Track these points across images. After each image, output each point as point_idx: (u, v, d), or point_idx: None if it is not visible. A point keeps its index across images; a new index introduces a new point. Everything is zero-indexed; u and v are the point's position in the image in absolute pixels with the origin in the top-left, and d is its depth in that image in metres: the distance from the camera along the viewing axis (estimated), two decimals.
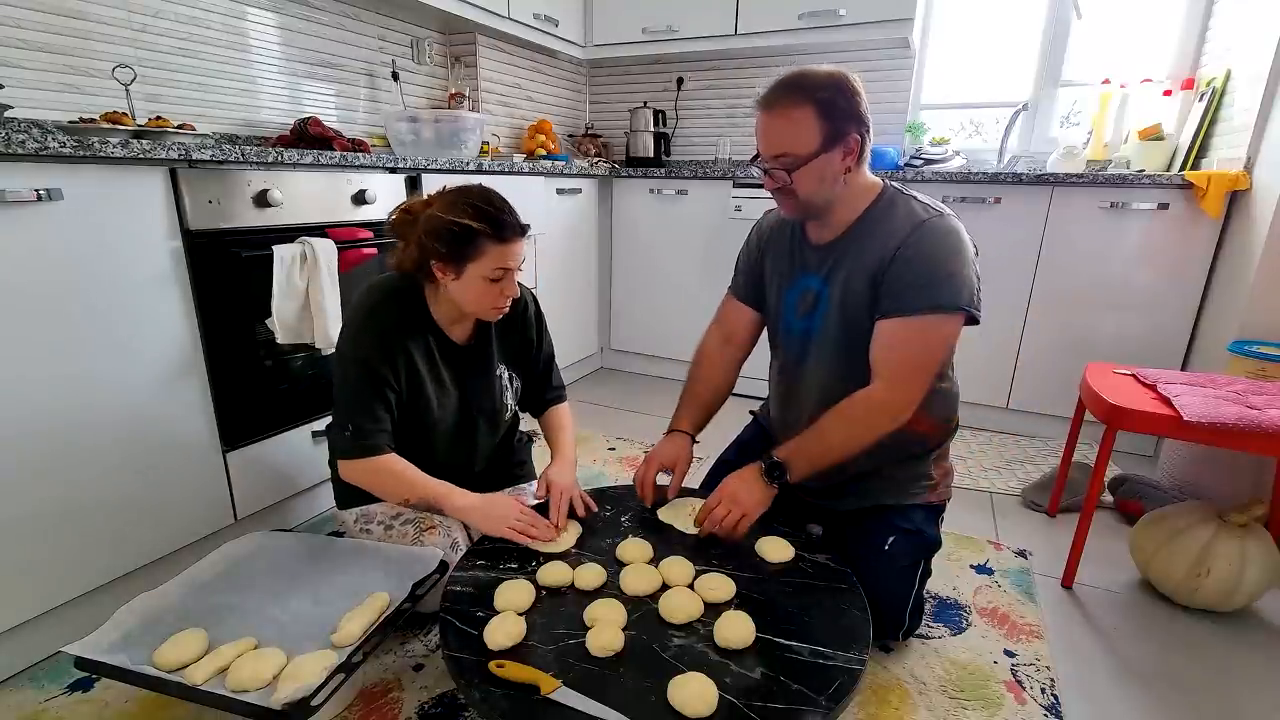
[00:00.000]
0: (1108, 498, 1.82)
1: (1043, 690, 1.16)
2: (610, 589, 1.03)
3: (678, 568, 1.05)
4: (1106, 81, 2.35)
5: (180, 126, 1.51)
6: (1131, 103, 2.28)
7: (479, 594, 1.00)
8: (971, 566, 1.53)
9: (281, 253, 1.39)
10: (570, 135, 3.24)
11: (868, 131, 1.11)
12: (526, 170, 2.30)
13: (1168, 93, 2.26)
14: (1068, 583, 1.47)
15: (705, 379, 1.36)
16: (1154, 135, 2.19)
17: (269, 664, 0.92)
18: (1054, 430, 2.27)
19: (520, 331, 1.37)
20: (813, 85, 1.06)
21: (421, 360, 1.22)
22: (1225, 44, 2.09)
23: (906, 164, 2.51)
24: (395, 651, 1.22)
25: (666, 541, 1.15)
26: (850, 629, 0.95)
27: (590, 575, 1.04)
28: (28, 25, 1.47)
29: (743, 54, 2.90)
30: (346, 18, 2.21)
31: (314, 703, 0.85)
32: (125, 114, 1.51)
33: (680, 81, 3.13)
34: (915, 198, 1.15)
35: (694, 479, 1.32)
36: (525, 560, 1.10)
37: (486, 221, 1.12)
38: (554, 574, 1.04)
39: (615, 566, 1.07)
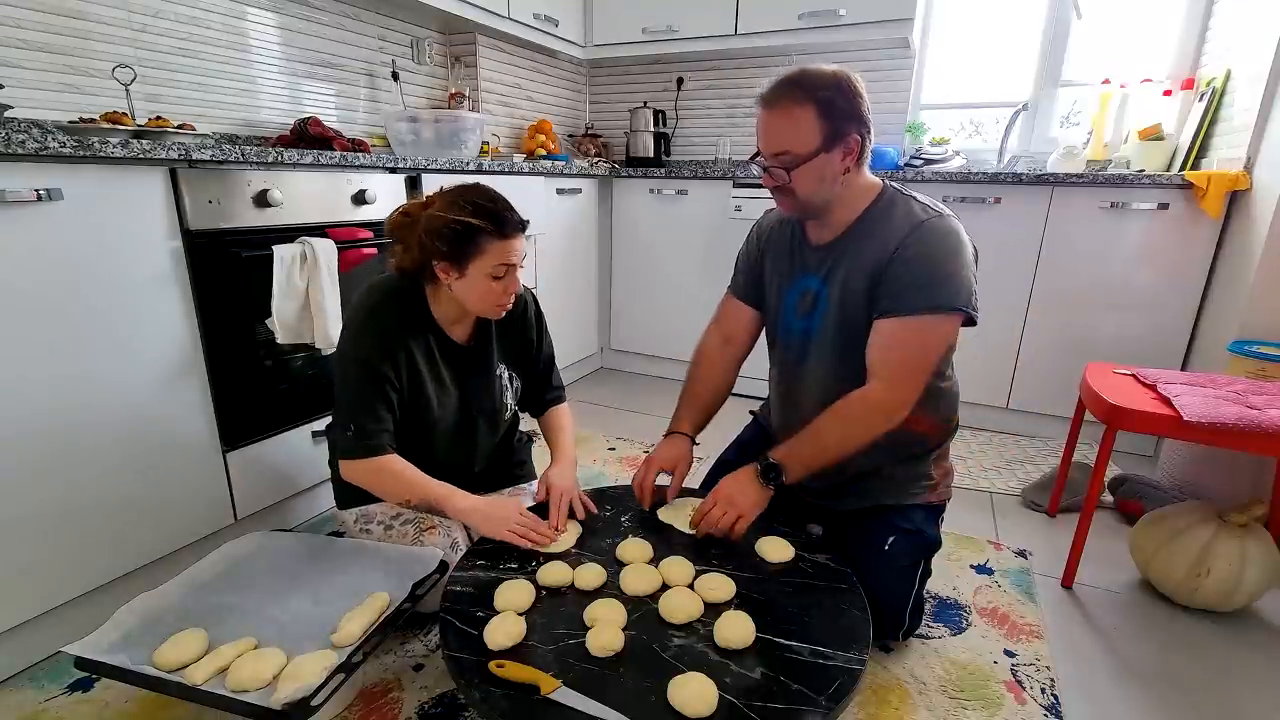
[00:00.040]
0: (1108, 498, 1.82)
1: (1043, 690, 1.16)
2: (610, 589, 1.03)
3: (678, 568, 1.05)
4: (1106, 81, 2.35)
5: (180, 126, 1.51)
6: (1131, 103, 2.28)
7: (479, 594, 1.00)
8: (971, 566, 1.53)
9: (281, 253, 1.39)
10: (570, 135, 3.24)
11: (868, 133, 1.11)
12: (526, 170, 2.30)
13: (1168, 93, 2.26)
14: (1068, 583, 1.47)
15: (705, 380, 1.36)
16: (1154, 135, 2.19)
17: (269, 664, 0.92)
18: (1054, 430, 2.27)
19: (520, 331, 1.37)
20: (814, 84, 1.06)
21: (422, 359, 1.22)
22: (1225, 44, 2.09)
23: (906, 164, 2.51)
24: (395, 651, 1.22)
25: (666, 541, 1.15)
26: (850, 629, 0.95)
27: (590, 575, 1.04)
28: (28, 25, 1.47)
29: (743, 54, 2.90)
30: (346, 18, 2.21)
31: (314, 703, 0.85)
32: (125, 114, 1.51)
33: (680, 81, 3.13)
34: (915, 198, 1.15)
35: (694, 479, 1.32)
36: (525, 560, 1.10)
37: (487, 218, 1.12)
38: (554, 574, 1.04)
39: (615, 566, 1.07)
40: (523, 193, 2.16)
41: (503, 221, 1.13)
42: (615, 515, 1.25)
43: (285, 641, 0.98)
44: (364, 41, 2.28)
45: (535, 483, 1.50)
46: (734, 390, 1.39)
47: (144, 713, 1.08)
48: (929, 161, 2.44)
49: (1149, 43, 2.39)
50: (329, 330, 1.46)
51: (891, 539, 1.18)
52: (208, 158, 1.29)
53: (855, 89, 1.08)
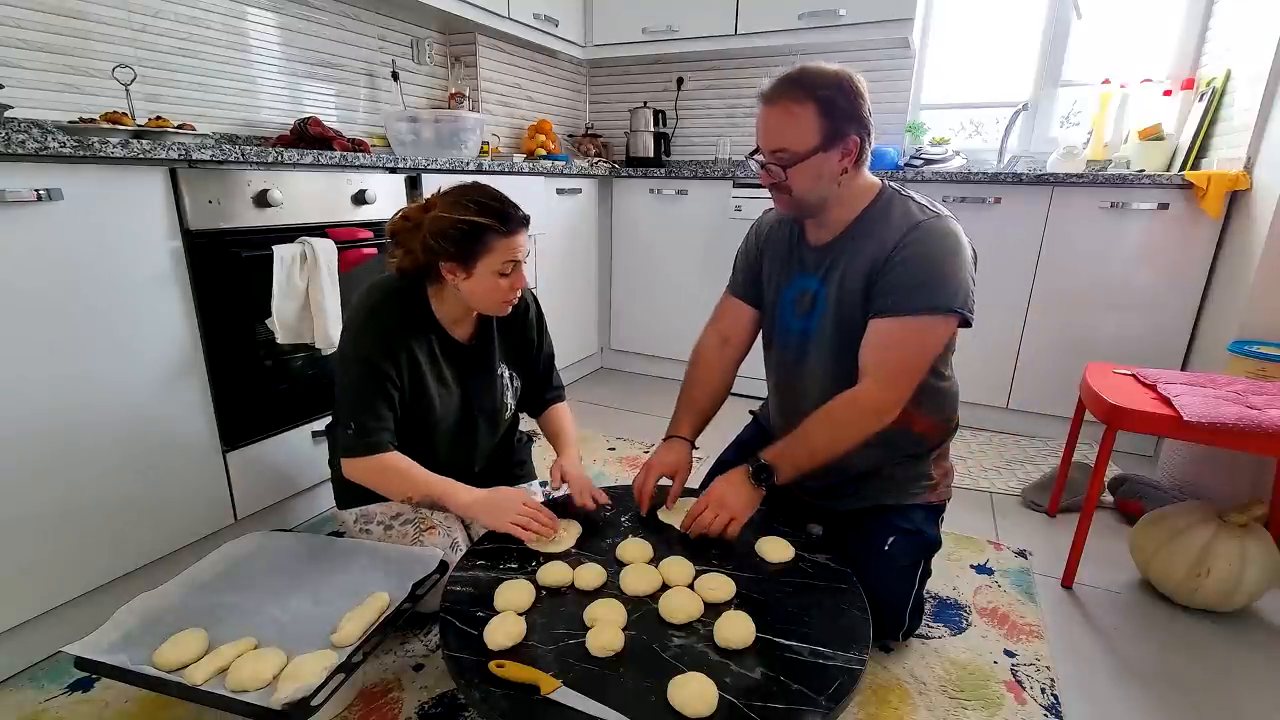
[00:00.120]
0: (1108, 498, 1.82)
1: (1043, 690, 1.16)
2: (610, 589, 1.03)
3: (678, 568, 1.05)
4: (1106, 81, 2.35)
5: (180, 126, 1.51)
6: (1131, 103, 2.28)
7: (479, 594, 1.00)
8: (971, 566, 1.53)
9: (281, 253, 1.39)
10: (570, 135, 3.24)
11: (868, 134, 1.11)
12: (526, 170, 2.30)
13: (1168, 93, 2.26)
14: (1068, 583, 1.47)
15: (703, 382, 1.35)
16: (1154, 135, 2.19)
17: (269, 664, 0.92)
18: (1054, 430, 2.27)
19: (521, 331, 1.38)
20: (815, 83, 1.06)
21: (424, 359, 1.22)
22: (1225, 44, 2.09)
23: (906, 164, 2.51)
24: (395, 651, 1.22)
25: (666, 541, 1.15)
26: (850, 629, 0.95)
27: (590, 575, 1.04)
28: (28, 25, 1.47)
29: (743, 54, 2.90)
30: (346, 18, 2.21)
31: (314, 703, 0.85)
32: (125, 114, 1.51)
33: (680, 81, 3.13)
34: (913, 198, 1.15)
35: (693, 479, 1.31)
36: (525, 560, 1.10)
37: (492, 216, 1.12)
38: (554, 574, 1.04)
39: (615, 566, 1.07)
40: (523, 193, 2.14)
41: (508, 218, 1.14)
42: (615, 515, 1.25)
43: (285, 641, 0.98)
44: (364, 41, 2.28)
45: (535, 483, 1.50)
46: (733, 390, 1.38)
47: (144, 713, 1.08)
48: (929, 161, 2.44)
49: (1149, 43, 2.39)
50: (329, 330, 1.46)
51: (891, 539, 1.18)
52: (208, 158, 1.29)
53: (857, 89, 1.08)
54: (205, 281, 1.33)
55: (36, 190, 1.06)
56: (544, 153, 2.79)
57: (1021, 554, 1.59)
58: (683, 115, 3.18)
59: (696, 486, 1.34)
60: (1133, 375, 1.54)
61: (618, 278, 2.94)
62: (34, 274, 1.08)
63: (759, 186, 2.43)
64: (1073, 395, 1.66)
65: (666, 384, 2.85)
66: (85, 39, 1.57)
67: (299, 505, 1.66)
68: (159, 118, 1.56)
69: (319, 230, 1.51)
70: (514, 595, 0.98)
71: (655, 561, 1.08)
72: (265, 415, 1.50)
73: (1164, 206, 1.98)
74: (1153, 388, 1.44)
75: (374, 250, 1.63)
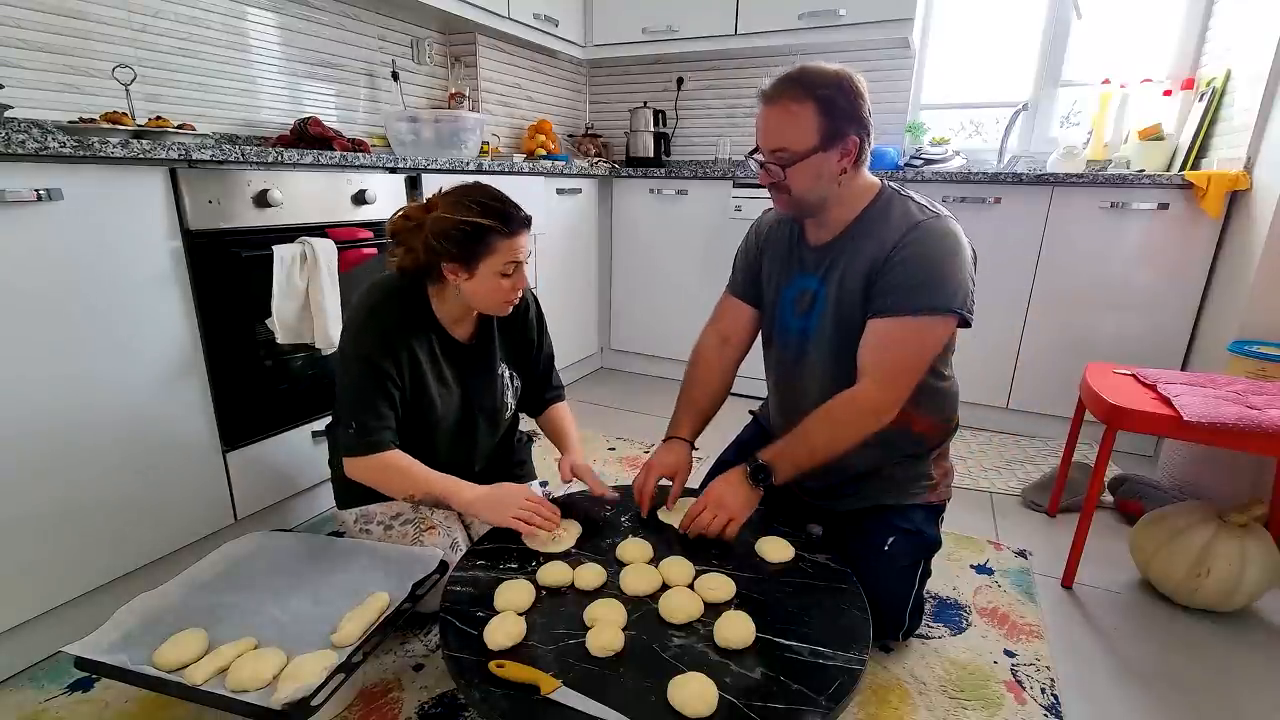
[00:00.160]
0: (1108, 498, 1.82)
1: (1043, 690, 1.16)
2: (610, 589, 1.03)
3: (678, 568, 1.05)
4: (1106, 81, 2.35)
5: (180, 126, 1.51)
6: (1131, 103, 2.28)
7: (479, 594, 1.00)
8: (971, 566, 1.53)
9: (281, 253, 1.39)
10: (570, 135, 3.24)
11: (868, 134, 1.10)
12: (526, 170, 2.30)
13: (1168, 93, 2.26)
14: (1068, 583, 1.47)
15: (703, 383, 1.35)
16: (1154, 135, 2.19)
17: (269, 664, 0.92)
18: (1054, 430, 2.27)
19: (521, 331, 1.38)
20: (815, 82, 1.06)
21: (425, 358, 1.22)
22: (1225, 44, 2.09)
23: (906, 164, 2.51)
24: (395, 651, 1.22)
25: (666, 541, 1.15)
26: (850, 629, 0.95)
27: (590, 575, 1.04)
28: (28, 25, 1.47)
29: (743, 54, 2.90)
30: (346, 18, 2.21)
31: (314, 703, 0.85)
32: (125, 114, 1.51)
33: (680, 81, 3.13)
34: (912, 198, 1.15)
35: (693, 479, 1.31)
36: (525, 560, 1.10)
37: (495, 217, 1.13)
38: (554, 574, 1.04)
39: (615, 566, 1.07)
40: (523, 193, 2.14)
41: (510, 219, 1.14)
42: (615, 515, 1.25)
43: (285, 641, 0.98)
44: (364, 41, 2.28)
45: (535, 483, 1.50)
46: (733, 390, 1.38)
47: (144, 713, 1.08)
48: (929, 161, 2.44)
49: (1149, 43, 2.39)
50: (329, 330, 1.46)
51: (891, 539, 1.18)
52: (208, 158, 1.29)
53: (857, 89, 1.08)
54: (205, 281, 1.33)
55: (36, 190, 1.06)
56: (544, 153, 2.79)
57: (1021, 554, 1.59)
58: (683, 115, 3.18)
59: (696, 486, 1.34)
60: (1133, 375, 1.54)
61: (618, 278, 2.94)
62: (34, 274, 1.08)
63: (759, 186, 2.43)
64: (1073, 395, 1.66)
65: (666, 384, 2.85)
66: (85, 39, 1.57)
67: (299, 505, 1.66)
68: (159, 118, 1.56)
69: (319, 230, 1.51)
70: (514, 595, 0.98)
71: (655, 561, 1.08)
72: (265, 415, 1.50)
73: (1164, 206, 1.98)
74: (1153, 388, 1.44)
75: (374, 250, 1.63)
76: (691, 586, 1.02)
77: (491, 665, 0.84)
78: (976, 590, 1.44)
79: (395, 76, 2.36)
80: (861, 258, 1.13)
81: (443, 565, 1.12)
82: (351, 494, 1.28)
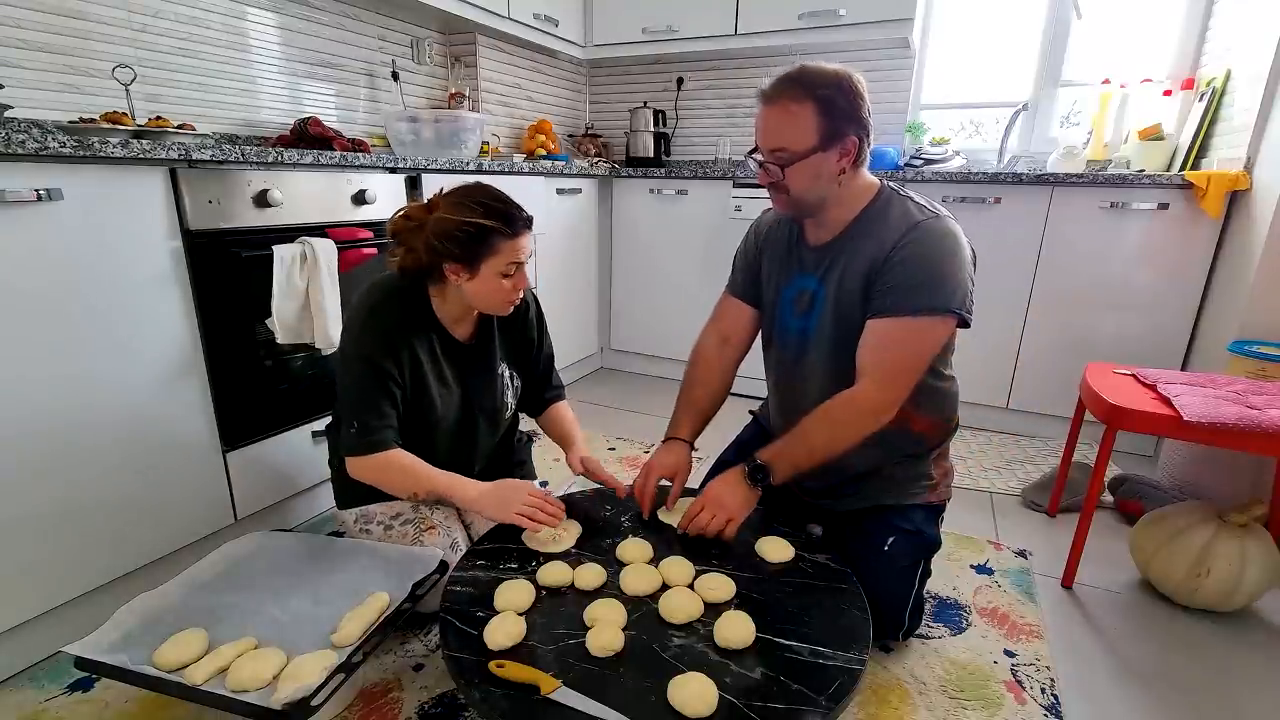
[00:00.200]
0: (1108, 498, 1.82)
1: (1043, 690, 1.16)
2: (610, 589, 1.03)
3: (678, 568, 1.05)
4: (1106, 81, 2.35)
5: (180, 126, 1.51)
6: (1131, 103, 2.28)
7: (479, 594, 1.00)
8: (971, 566, 1.53)
9: (281, 253, 1.39)
10: (570, 135, 3.24)
11: (867, 135, 1.10)
12: (526, 170, 2.30)
13: (1168, 93, 2.26)
14: (1068, 583, 1.47)
15: (703, 383, 1.35)
16: (1154, 135, 2.19)
17: (269, 664, 0.92)
18: (1054, 430, 2.27)
19: (521, 331, 1.38)
20: (815, 82, 1.06)
21: (425, 358, 1.22)
22: (1225, 44, 2.09)
23: (906, 164, 2.51)
24: (395, 651, 1.22)
25: (666, 541, 1.15)
26: (850, 629, 0.95)
27: (590, 575, 1.04)
28: (28, 25, 1.47)
29: (743, 54, 2.90)
30: (346, 18, 2.21)
31: (314, 703, 0.85)
32: (125, 114, 1.51)
33: (680, 81, 3.13)
34: (911, 198, 1.15)
35: (693, 479, 1.31)
36: (525, 560, 1.10)
37: (498, 218, 1.13)
38: (554, 574, 1.04)
39: (615, 566, 1.07)
40: (523, 193, 2.13)
41: (513, 220, 1.14)
42: (615, 515, 1.25)
43: (285, 641, 0.98)
44: (364, 41, 2.28)
45: (535, 483, 1.50)
46: (733, 390, 1.38)
47: (144, 713, 1.08)
48: (929, 161, 2.44)
49: (1149, 43, 2.39)
50: (329, 330, 1.46)
51: (891, 539, 1.18)
52: (208, 158, 1.29)
53: (856, 89, 1.07)
54: (205, 281, 1.33)
55: (36, 190, 1.06)
56: (544, 153, 2.79)
57: (1021, 554, 1.59)
58: (683, 115, 3.18)
59: (696, 486, 1.34)
60: (1133, 375, 1.54)
61: (618, 278, 2.94)
62: (34, 274, 1.08)
63: (759, 186, 2.42)
64: (1073, 395, 1.66)
65: (666, 384, 2.85)
66: (85, 39, 1.57)
67: (299, 505, 1.66)
68: (159, 118, 1.56)
69: (319, 230, 1.51)
70: (514, 595, 0.98)
71: (655, 561, 1.08)
72: (265, 415, 1.50)
73: (1164, 206, 1.98)
74: (1153, 388, 1.44)
75: (374, 250, 1.63)
76: (691, 586, 1.02)
77: (491, 665, 0.84)
78: (976, 590, 1.44)
79: (395, 76, 2.36)
80: (861, 258, 1.13)
81: (443, 565, 1.12)
82: (351, 494, 1.28)
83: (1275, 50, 1.71)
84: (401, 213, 1.19)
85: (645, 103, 3.02)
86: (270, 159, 1.41)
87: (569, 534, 1.16)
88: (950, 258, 1.08)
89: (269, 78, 2.00)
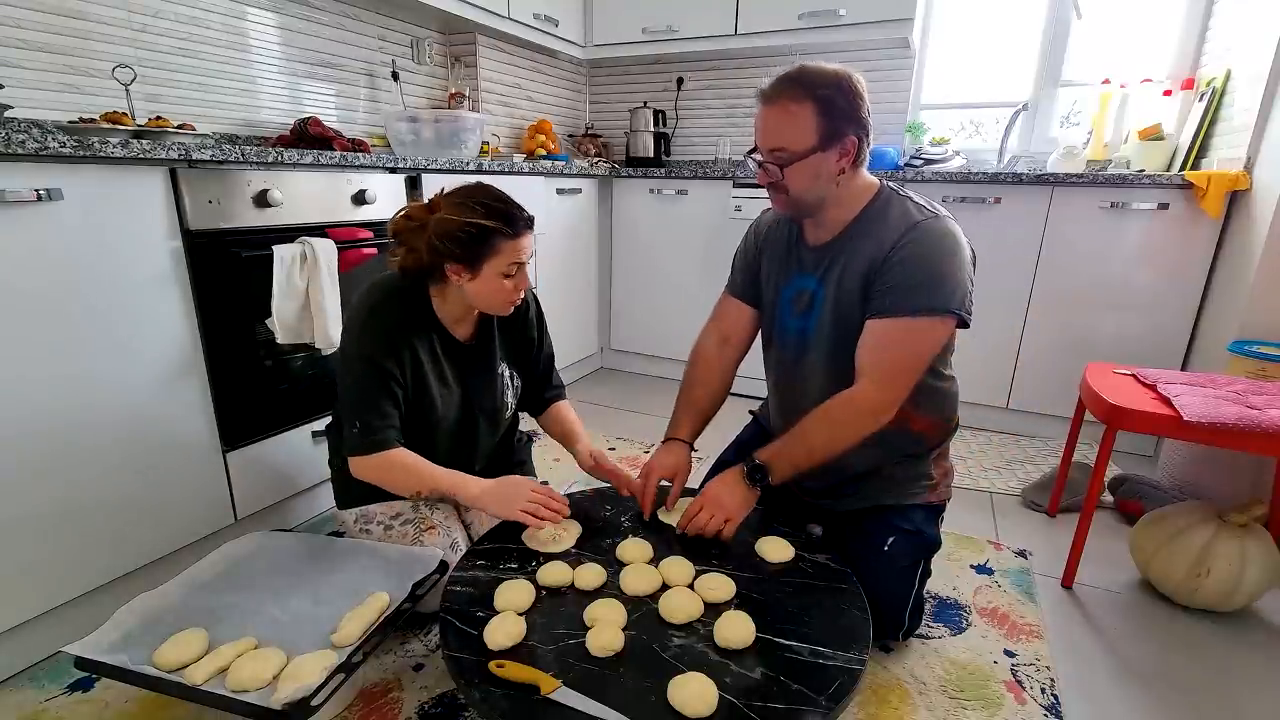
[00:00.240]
0: (1108, 498, 1.82)
1: (1043, 690, 1.16)
2: (610, 589, 1.03)
3: (678, 568, 1.05)
4: (1106, 81, 2.35)
5: (180, 126, 1.51)
6: (1131, 103, 2.28)
7: (479, 594, 1.00)
8: (971, 566, 1.53)
9: (281, 253, 1.39)
10: (570, 135, 3.24)
11: (867, 135, 1.10)
12: (526, 170, 2.30)
13: (1168, 93, 2.26)
14: (1068, 583, 1.47)
15: (703, 382, 1.35)
16: (1154, 135, 2.19)
17: (269, 664, 0.92)
18: (1054, 430, 2.27)
19: (521, 330, 1.38)
20: (814, 82, 1.06)
21: (426, 358, 1.22)
22: (1225, 44, 2.09)
23: (906, 164, 2.51)
24: (395, 651, 1.22)
25: (666, 541, 1.15)
26: (850, 629, 0.95)
27: (590, 575, 1.04)
28: (28, 25, 1.47)
29: (743, 54, 2.90)
30: (346, 18, 2.21)
31: (314, 703, 0.85)
32: (125, 114, 1.51)
33: (680, 81, 3.13)
34: (911, 199, 1.15)
35: (693, 479, 1.31)
36: (525, 560, 1.10)
37: (500, 219, 1.13)
38: (554, 574, 1.04)
39: (615, 566, 1.07)
40: (523, 193, 2.13)
41: (515, 221, 1.14)
42: (615, 515, 1.25)
43: (285, 641, 0.98)
44: (364, 41, 2.28)
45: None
46: (733, 390, 1.38)
47: (144, 713, 1.08)
48: (929, 161, 2.44)
49: (1149, 43, 2.39)
50: (329, 330, 1.46)
51: (891, 539, 1.18)
52: (208, 158, 1.29)
53: (856, 89, 1.07)
54: (205, 281, 1.33)
55: (36, 190, 1.06)
56: (544, 153, 2.79)
57: (1021, 554, 1.59)
58: (683, 115, 3.18)
59: (696, 486, 1.34)
60: (1133, 375, 1.54)
61: (618, 278, 2.94)
62: (34, 274, 1.08)
63: (759, 186, 2.41)
64: (1073, 395, 1.66)
65: (666, 384, 2.85)
66: (85, 39, 1.57)
67: (299, 505, 1.66)
68: (159, 118, 1.56)
69: (319, 230, 1.51)
70: (514, 595, 0.98)
71: (655, 561, 1.08)
72: (265, 415, 1.50)
73: (1164, 206, 1.98)
74: (1153, 388, 1.44)
75: (374, 250, 1.63)
76: (691, 586, 1.02)
77: (491, 665, 0.84)
78: (976, 590, 1.44)
79: (395, 76, 2.36)
80: (860, 258, 1.13)
81: (443, 565, 1.12)
82: (351, 494, 1.28)
83: (1275, 50, 1.71)
84: (403, 212, 1.19)
85: (645, 103, 3.02)
86: (270, 159, 1.41)
87: (569, 534, 1.16)
88: (949, 258, 1.08)
89: (269, 78, 2.00)
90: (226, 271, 1.35)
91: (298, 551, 1.21)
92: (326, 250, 1.47)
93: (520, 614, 0.95)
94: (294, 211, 1.47)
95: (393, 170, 1.77)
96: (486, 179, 1.33)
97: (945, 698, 1.13)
